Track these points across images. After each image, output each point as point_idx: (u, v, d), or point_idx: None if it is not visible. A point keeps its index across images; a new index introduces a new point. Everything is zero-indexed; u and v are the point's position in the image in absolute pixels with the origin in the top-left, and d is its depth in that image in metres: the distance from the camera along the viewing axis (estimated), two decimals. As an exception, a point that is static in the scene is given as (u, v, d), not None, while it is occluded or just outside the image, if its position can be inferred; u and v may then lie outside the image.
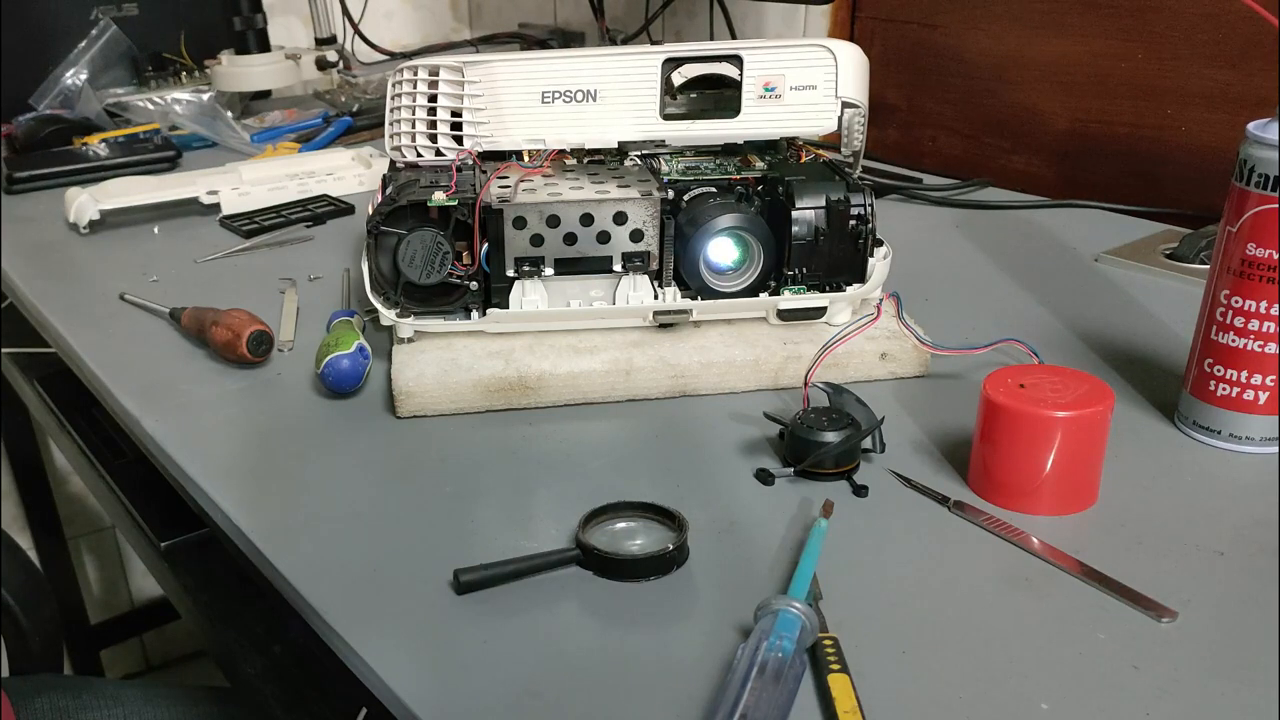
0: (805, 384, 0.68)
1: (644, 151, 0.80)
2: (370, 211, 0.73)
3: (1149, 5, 1.04)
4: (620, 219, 0.72)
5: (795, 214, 0.72)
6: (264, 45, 1.50)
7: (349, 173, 1.21)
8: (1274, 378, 0.62)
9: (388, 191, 0.73)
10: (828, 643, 0.48)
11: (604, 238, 0.72)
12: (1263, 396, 0.62)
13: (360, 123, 1.44)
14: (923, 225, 1.06)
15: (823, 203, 0.72)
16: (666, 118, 0.76)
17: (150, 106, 1.47)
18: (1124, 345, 0.78)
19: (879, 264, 0.75)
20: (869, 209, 0.73)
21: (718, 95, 0.79)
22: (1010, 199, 1.12)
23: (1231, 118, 1.00)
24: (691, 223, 0.72)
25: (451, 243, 0.71)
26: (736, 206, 0.72)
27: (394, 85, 0.77)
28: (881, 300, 0.77)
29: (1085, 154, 1.13)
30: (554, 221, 0.72)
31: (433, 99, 0.76)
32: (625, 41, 1.48)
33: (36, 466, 1.69)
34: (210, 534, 0.67)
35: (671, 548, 0.55)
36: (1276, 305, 0.60)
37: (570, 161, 0.80)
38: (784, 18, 1.35)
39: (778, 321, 0.76)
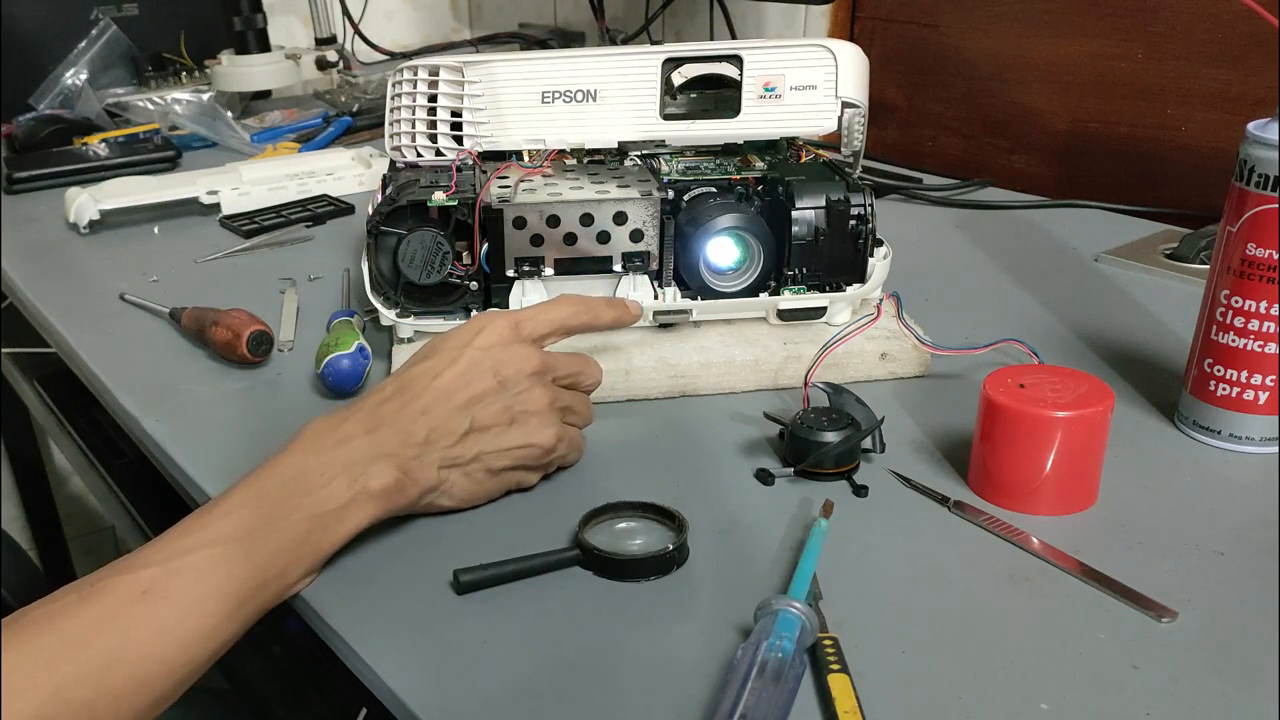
0: (805, 384, 0.68)
1: (644, 151, 0.80)
2: (370, 211, 0.73)
3: (1149, 5, 1.04)
4: (620, 219, 0.72)
5: (795, 214, 0.72)
6: (264, 45, 1.50)
7: (349, 173, 1.21)
8: (1274, 378, 0.62)
9: (388, 191, 0.73)
10: (828, 643, 0.48)
11: (604, 238, 0.72)
12: (1263, 396, 0.62)
13: (360, 123, 1.44)
14: (923, 225, 1.06)
15: (823, 203, 0.72)
16: (666, 118, 0.76)
17: (150, 106, 1.47)
18: (1124, 345, 0.78)
19: (879, 264, 0.75)
20: (869, 209, 0.73)
21: (718, 95, 0.79)
22: (1010, 199, 1.12)
23: (1231, 118, 1.00)
24: (691, 223, 0.72)
25: (451, 243, 0.71)
26: (736, 206, 0.72)
27: (394, 85, 0.77)
28: (881, 300, 0.77)
29: (1085, 154, 1.13)
30: (554, 221, 0.72)
31: (433, 99, 0.76)
32: (625, 41, 1.48)
33: (36, 466, 1.69)
34: (210, 534, 0.67)
35: (671, 548, 0.55)
36: (1276, 305, 0.60)
37: (570, 161, 0.80)
38: (784, 18, 1.35)
39: (778, 321, 0.76)
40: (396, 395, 0.58)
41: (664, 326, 0.75)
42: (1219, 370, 0.63)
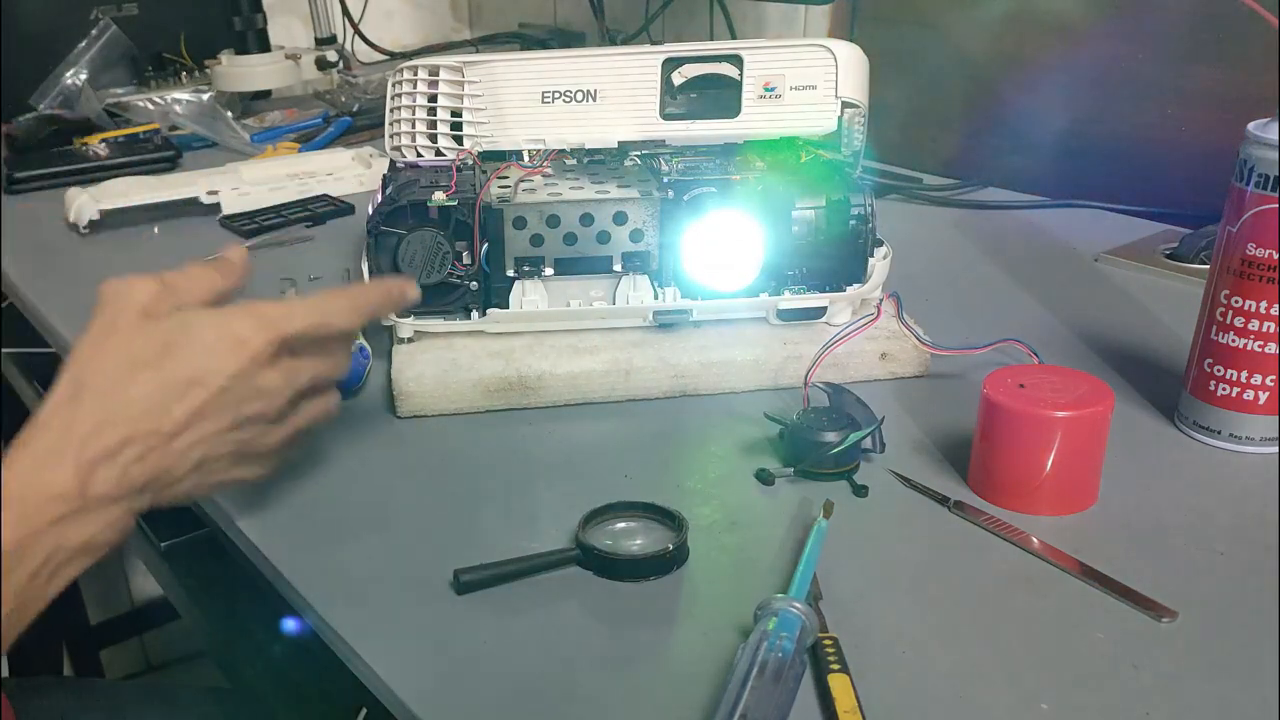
0: (805, 384, 0.68)
1: (644, 151, 0.80)
2: (370, 211, 0.73)
3: (1149, 5, 1.04)
4: (620, 219, 0.72)
5: (795, 214, 0.72)
6: (264, 45, 1.50)
7: (349, 173, 1.21)
8: (1274, 378, 0.62)
9: (388, 191, 0.73)
10: (828, 643, 0.48)
11: (604, 238, 0.72)
12: (1263, 396, 0.62)
13: (360, 123, 1.44)
14: (923, 225, 1.06)
15: (823, 203, 0.72)
16: (666, 118, 0.76)
17: (150, 106, 1.47)
18: (1124, 345, 0.78)
19: (879, 264, 0.75)
20: (869, 209, 0.73)
21: (718, 95, 0.79)
22: (1010, 199, 1.12)
23: (1231, 118, 1.00)
24: (691, 222, 0.72)
25: (451, 243, 0.71)
26: (736, 206, 0.72)
27: (394, 85, 0.77)
28: (881, 300, 0.77)
29: (1085, 154, 1.13)
30: (554, 221, 0.72)
31: (433, 99, 0.76)
32: (625, 41, 1.48)
33: (37, 466, 1.68)
34: (210, 534, 0.67)
35: (671, 548, 0.55)
36: (1276, 305, 0.60)
37: (570, 161, 0.80)
38: (784, 18, 1.35)
39: (778, 321, 0.76)
40: (112, 422, 0.49)
41: (664, 326, 0.75)
42: (1219, 370, 0.63)
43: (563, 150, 0.78)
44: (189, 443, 0.51)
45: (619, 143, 0.77)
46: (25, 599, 0.47)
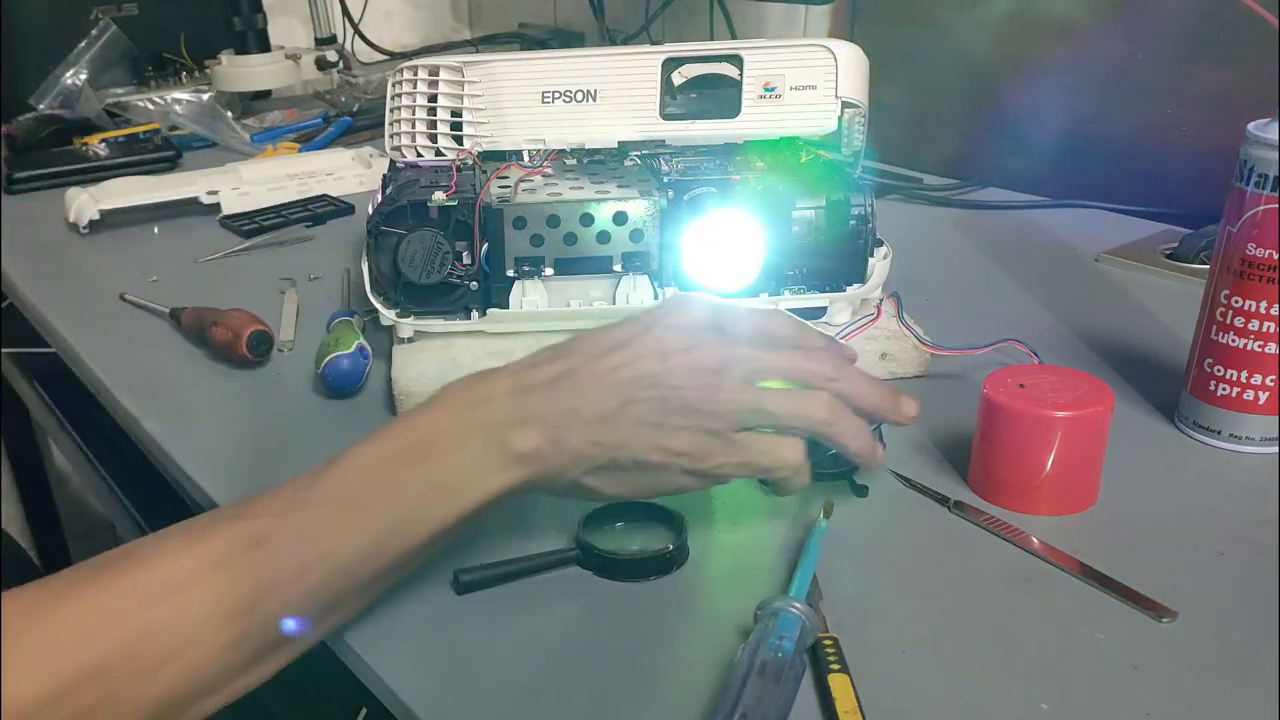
0: (805, 384, 0.68)
1: (644, 151, 0.80)
2: (370, 211, 0.73)
3: (1149, 5, 1.04)
4: (620, 219, 0.72)
5: (795, 214, 0.72)
6: (264, 45, 1.50)
7: (349, 173, 1.21)
8: (1274, 378, 0.62)
9: (388, 191, 0.73)
10: (828, 643, 0.48)
11: (604, 238, 0.72)
12: (1263, 396, 0.62)
13: (360, 123, 1.44)
14: (923, 225, 1.06)
15: (823, 203, 0.72)
16: (666, 118, 0.76)
17: (150, 106, 1.47)
18: (1124, 345, 0.78)
19: (879, 264, 0.74)
20: (869, 209, 0.73)
21: (717, 95, 0.79)
22: (1010, 199, 1.12)
23: (1231, 118, 1.00)
24: (691, 222, 0.72)
25: (451, 243, 0.71)
26: (736, 206, 0.72)
27: (394, 85, 0.77)
28: (881, 300, 0.77)
29: (1085, 154, 1.13)
30: (554, 221, 0.72)
31: (433, 99, 0.76)
32: (625, 41, 1.48)
33: (36, 466, 1.69)
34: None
35: (671, 548, 0.55)
36: (1276, 305, 0.60)
37: (570, 161, 0.80)
38: (784, 18, 1.35)
39: (778, 321, 0.76)
40: (552, 360, 0.53)
41: (664, 326, 0.75)
42: (1219, 370, 0.63)
43: (563, 150, 0.78)
44: (617, 381, 0.51)
45: (619, 143, 0.77)
46: (457, 482, 0.50)
